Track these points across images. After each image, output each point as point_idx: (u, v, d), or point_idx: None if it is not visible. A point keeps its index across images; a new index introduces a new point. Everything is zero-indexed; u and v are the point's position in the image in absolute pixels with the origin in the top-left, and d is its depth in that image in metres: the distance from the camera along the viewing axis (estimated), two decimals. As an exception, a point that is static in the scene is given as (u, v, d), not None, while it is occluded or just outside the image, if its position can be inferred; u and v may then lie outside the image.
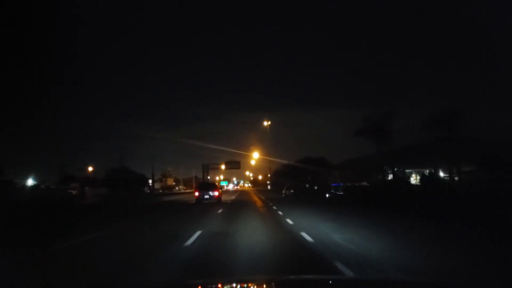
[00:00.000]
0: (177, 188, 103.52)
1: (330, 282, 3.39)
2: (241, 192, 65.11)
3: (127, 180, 52.79)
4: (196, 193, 28.37)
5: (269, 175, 74.28)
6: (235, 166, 76.82)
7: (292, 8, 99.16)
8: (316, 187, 39.26)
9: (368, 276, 5.72)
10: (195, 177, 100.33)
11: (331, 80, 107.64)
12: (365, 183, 43.33)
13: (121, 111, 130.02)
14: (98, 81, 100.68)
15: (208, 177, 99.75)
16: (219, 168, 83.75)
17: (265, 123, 62.06)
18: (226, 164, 75.74)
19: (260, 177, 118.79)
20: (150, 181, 74.52)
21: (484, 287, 4.30)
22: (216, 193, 28.41)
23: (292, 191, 39.43)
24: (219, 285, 3.33)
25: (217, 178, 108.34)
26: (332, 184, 30.50)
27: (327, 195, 28.66)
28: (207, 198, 27.47)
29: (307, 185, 44.17)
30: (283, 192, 42.58)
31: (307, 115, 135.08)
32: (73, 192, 42.06)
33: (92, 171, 58.85)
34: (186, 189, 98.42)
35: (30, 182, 56.26)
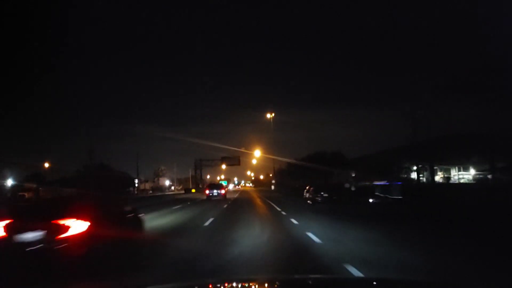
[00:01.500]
0: (172, 188, 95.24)
1: (334, 282, 3.28)
2: (241, 192, 58.18)
3: (109, 179, 44.60)
4: (207, 191, 36.58)
5: (270, 175, 67.22)
6: (235, 162, 69.69)
7: (292, 8, 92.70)
8: (353, 189, 26.69)
9: (372, 276, 5.54)
10: (192, 176, 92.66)
11: (331, 79, 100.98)
12: (383, 182, 35.06)
13: (123, 110, 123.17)
14: (94, 80, 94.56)
15: (208, 176, 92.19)
16: (218, 166, 76.51)
17: (268, 115, 54.60)
18: (223, 159, 68.44)
19: (261, 177, 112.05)
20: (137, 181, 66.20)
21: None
22: (223, 191, 36.57)
23: (325, 195, 24.25)
24: (223, 285, 3.26)
25: (218, 178, 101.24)
26: (377, 183, 19.81)
27: (370, 200, 18.77)
28: (215, 195, 35.00)
29: (347, 185, 28.99)
30: (307, 196, 26.92)
31: (309, 114, 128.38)
32: (26, 194, 34.36)
33: (48, 167, 49.90)
34: (182, 189, 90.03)
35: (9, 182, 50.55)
